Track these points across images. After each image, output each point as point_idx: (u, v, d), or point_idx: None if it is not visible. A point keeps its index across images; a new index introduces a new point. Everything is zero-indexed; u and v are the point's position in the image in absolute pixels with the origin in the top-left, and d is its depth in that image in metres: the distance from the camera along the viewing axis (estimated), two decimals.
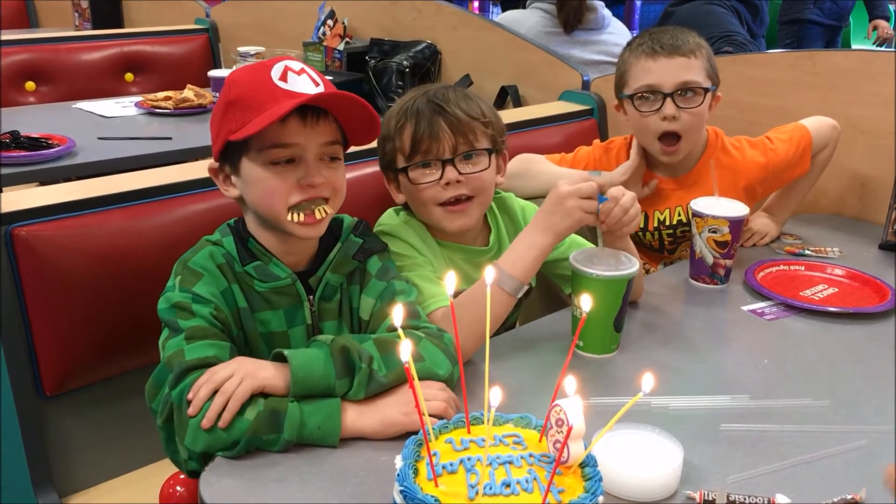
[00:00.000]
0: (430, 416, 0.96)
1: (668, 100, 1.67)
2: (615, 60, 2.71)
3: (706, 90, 1.68)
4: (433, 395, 1.08)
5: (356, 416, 1.06)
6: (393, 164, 1.42)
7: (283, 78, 1.13)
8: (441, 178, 1.37)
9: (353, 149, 1.75)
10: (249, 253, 1.19)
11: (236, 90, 1.15)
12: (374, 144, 1.79)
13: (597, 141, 1.92)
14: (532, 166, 1.77)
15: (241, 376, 1.04)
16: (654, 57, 1.68)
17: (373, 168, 1.75)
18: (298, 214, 1.15)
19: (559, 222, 1.28)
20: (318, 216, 1.16)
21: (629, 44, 1.77)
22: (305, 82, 1.14)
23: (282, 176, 1.14)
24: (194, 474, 1.02)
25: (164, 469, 1.38)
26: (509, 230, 1.52)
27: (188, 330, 1.10)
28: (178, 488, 1.30)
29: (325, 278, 1.22)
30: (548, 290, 1.84)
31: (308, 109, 1.13)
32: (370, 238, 1.28)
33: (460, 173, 1.37)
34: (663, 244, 1.83)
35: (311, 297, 1.21)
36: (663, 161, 1.75)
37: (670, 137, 1.70)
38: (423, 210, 1.41)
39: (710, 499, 0.95)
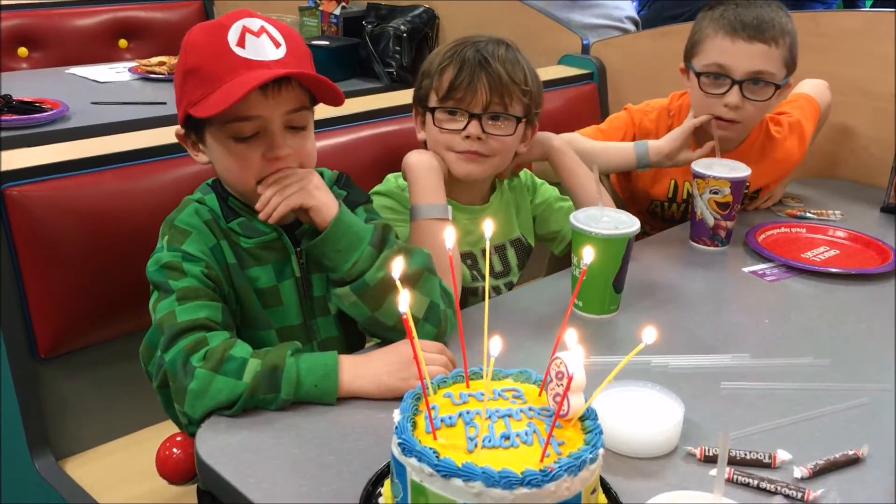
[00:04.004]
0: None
1: (736, 87, 1.59)
2: (615, 24, 2.69)
3: (779, 85, 1.60)
4: (432, 358, 1.07)
5: (352, 377, 1.05)
6: (425, 101, 1.43)
7: (241, 43, 1.07)
8: (464, 129, 1.37)
9: (348, 111, 1.75)
10: (232, 210, 1.17)
11: (193, 58, 1.10)
12: (372, 105, 1.79)
13: (630, 105, 1.84)
14: (573, 145, 1.63)
15: (301, 186, 1.11)
16: (733, 37, 1.57)
17: (369, 131, 1.73)
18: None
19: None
20: None
21: (710, 7, 1.65)
22: (266, 45, 1.08)
23: (246, 152, 1.11)
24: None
25: (161, 431, 1.37)
26: (515, 196, 1.56)
27: (179, 290, 1.08)
28: (175, 450, 1.29)
29: (311, 230, 1.20)
30: (547, 254, 1.83)
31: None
32: (353, 190, 1.27)
33: (483, 131, 1.37)
34: (686, 219, 1.77)
35: (298, 249, 1.20)
36: (719, 136, 1.65)
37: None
38: (438, 151, 1.42)
39: (712, 454, 0.94)
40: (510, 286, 1.54)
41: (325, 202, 1.13)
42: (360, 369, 1.06)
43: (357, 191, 1.28)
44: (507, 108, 1.38)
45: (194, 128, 1.15)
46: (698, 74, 1.63)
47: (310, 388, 1.02)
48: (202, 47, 1.10)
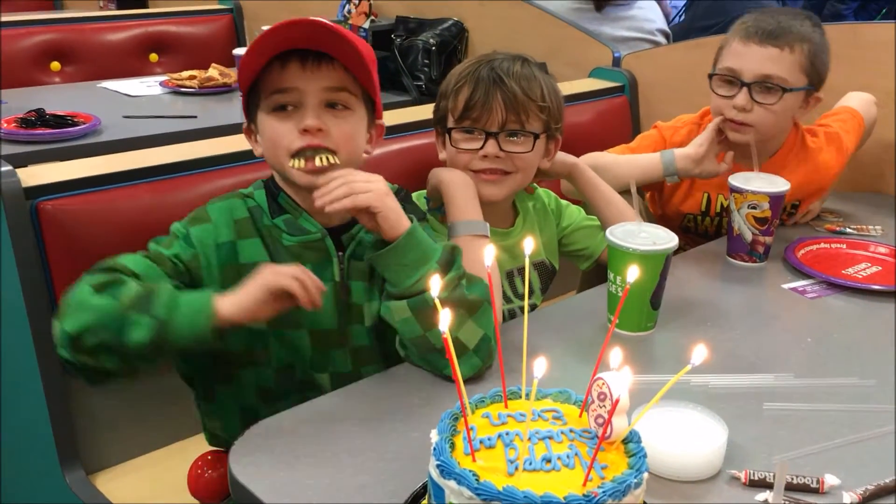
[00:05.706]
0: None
1: (744, 90, 1.59)
2: (646, 36, 2.67)
3: (788, 89, 1.58)
4: (287, 270, 1.04)
5: (227, 295, 1.03)
6: (443, 121, 1.43)
7: None
8: (481, 148, 1.37)
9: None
10: (279, 207, 1.18)
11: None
12: (402, 119, 1.78)
13: (660, 122, 1.83)
14: (598, 160, 1.65)
15: (375, 188, 1.10)
16: (746, 41, 1.59)
17: (398, 145, 1.72)
18: (299, 161, 1.12)
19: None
20: (318, 163, 1.12)
21: (741, 18, 1.67)
22: None
23: (283, 122, 1.13)
24: (72, 366, 1.02)
25: (192, 446, 1.37)
26: (539, 218, 1.53)
27: (154, 251, 1.11)
28: (208, 471, 1.27)
29: (358, 237, 1.19)
30: (578, 272, 1.80)
31: (309, 54, 1.11)
32: (410, 205, 1.26)
33: (501, 149, 1.36)
34: (720, 232, 1.75)
35: (340, 253, 1.18)
36: (731, 137, 1.64)
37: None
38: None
39: (757, 478, 0.91)
40: (532, 308, 1.52)
41: (393, 209, 1.12)
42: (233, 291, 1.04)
43: (414, 207, 1.28)
44: (525, 125, 1.36)
45: (251, 116, 1.19)
46: (712, 77, 1.65)
47: (184, 308, 1.00)
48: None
